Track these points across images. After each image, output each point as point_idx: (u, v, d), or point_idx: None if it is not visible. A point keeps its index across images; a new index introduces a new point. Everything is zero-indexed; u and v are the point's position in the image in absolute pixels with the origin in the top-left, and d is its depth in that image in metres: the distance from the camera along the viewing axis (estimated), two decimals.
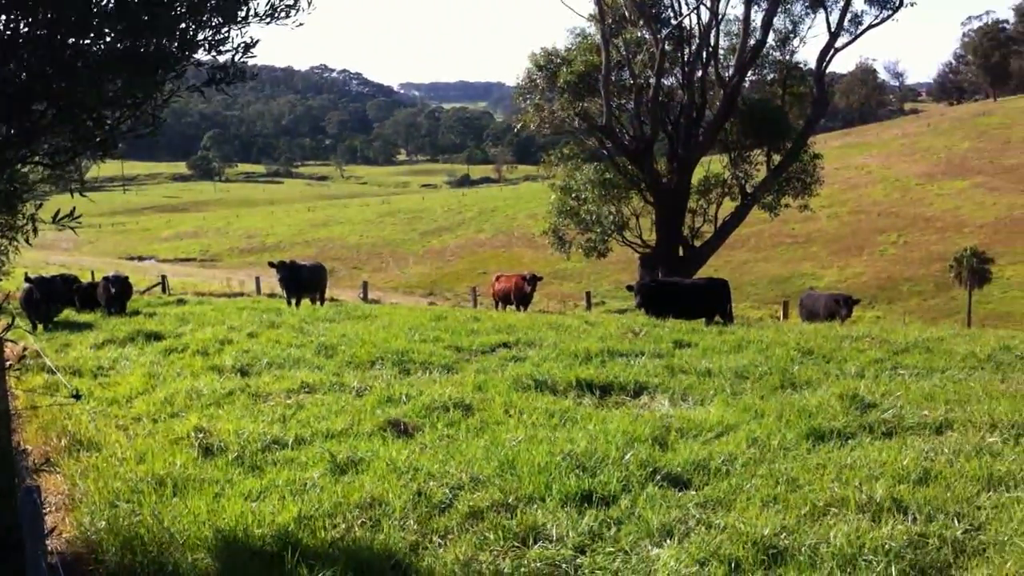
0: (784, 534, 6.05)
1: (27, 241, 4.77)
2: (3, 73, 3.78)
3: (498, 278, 29.24)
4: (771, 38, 34.95)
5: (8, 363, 4.36)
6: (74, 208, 3.79)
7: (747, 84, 36.43)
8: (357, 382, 11.60)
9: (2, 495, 3.68)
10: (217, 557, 5.88)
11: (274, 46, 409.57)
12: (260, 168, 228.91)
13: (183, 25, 4.89)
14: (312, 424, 9.40)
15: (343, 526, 6.50)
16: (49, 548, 4.38)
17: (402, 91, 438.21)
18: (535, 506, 6.70)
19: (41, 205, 4.06)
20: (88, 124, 4.38)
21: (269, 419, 9.69)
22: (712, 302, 20.52)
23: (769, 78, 37.47)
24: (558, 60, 35.33)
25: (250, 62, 5.29)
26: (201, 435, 8.85)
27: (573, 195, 35.29)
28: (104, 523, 6.66)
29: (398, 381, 11.72)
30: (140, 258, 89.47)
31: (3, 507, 3.63)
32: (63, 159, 4.68)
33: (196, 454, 8.39)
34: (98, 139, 4.48)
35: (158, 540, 6.30)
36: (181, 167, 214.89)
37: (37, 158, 4.68)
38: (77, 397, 7.90)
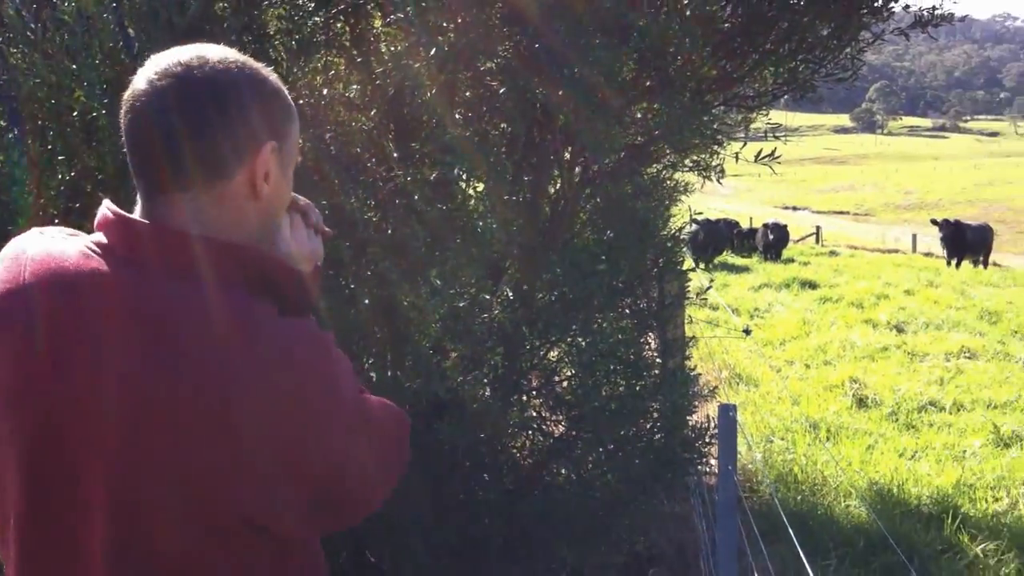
0: None
1: (718, 181, 5.07)
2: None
3: None
4: None
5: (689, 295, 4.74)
6: (775, 149, 3.95)
7: None
8: None
9: (681, 410, 4.01)
10: (871, 507, 5.84)
11: None
12: (925, 122, 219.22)
13: None
14: (973, 391, 8.86)
15: (1007, 501, 6.06)
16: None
17: None
18: None
19: (745, 144, 4.27)
20: (790, 66, 4.51)
21: (926, 380, 9.33)
22: None
23: None
24: None
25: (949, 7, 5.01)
26: (855, 386, 8.83)
27: None
28: (760, 455, 6.98)
29: None
30: (794, 208, 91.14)
31: (682, 421, 3.97)
32: (760, 103, 4.90)
33: (849, 404, 8.40)
34: (796, 83, 4.62)
35: (811, 480, 6.43)
36: (844, 119, 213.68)
37: (737, 101, 4.93)
38: (748, 332, 8.35)
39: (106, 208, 1.29)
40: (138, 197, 1.29)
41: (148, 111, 1.23)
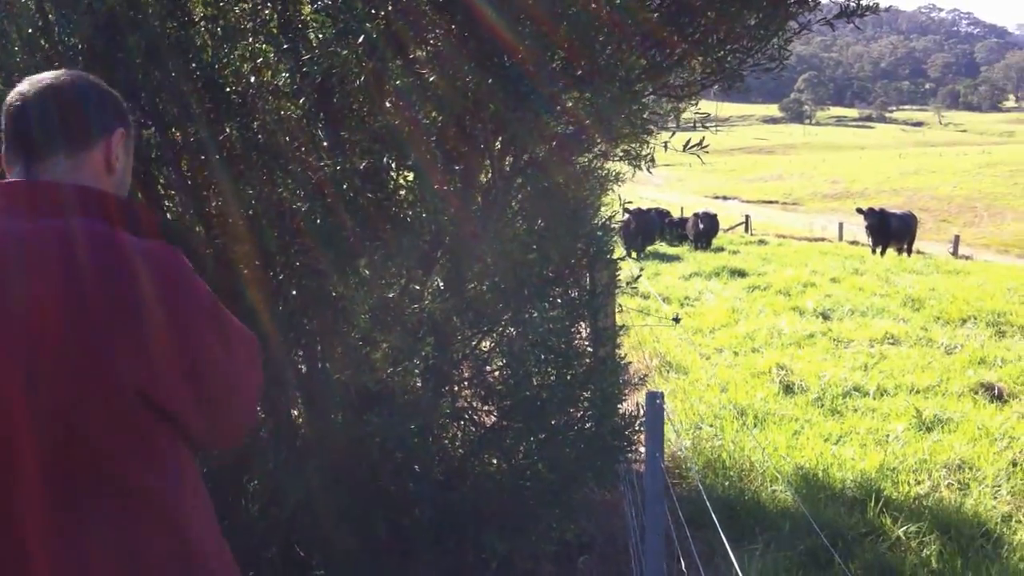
0: None
1: (648, 170, 5.10)
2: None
3: None
4: None
5: (620, 284, 4.80)
6: (703, 138, 3.98)
7: None
8: (946, 339, 10.93)
9: (611, 399, 4.04)
10: (796, 492, 5.96)
11: None
12: (852, 112, 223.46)
13: None
14: (896, 376, 9.07)
15: (928, 484, 6.21)
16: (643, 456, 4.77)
17: (1019, 32, 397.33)
18: None
19: (673, 134, 4.30)
20: (718, 56, 4.55)
21: (850, 366, 9.53)
22: None
23: None
24: None
25: None
26: (782, 372, 8.97)
27: None
28: (689, 442, 7.06)
29: (992, 343, 10.85)
30: (724, 197, 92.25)
31: (612, 409, 4.00)
32: (689, 92, 4.93)
33: (776, 390, 8.53)
34: (724, 72, 4.65)
35: (738, 466, 6.52)
36: (773, 109, 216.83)
37: (666, 90, 4.95)
38: (677, 320, 8.44)
39: None
40: (12, 176, 1.64)
41: (29, 101, 1.63)
